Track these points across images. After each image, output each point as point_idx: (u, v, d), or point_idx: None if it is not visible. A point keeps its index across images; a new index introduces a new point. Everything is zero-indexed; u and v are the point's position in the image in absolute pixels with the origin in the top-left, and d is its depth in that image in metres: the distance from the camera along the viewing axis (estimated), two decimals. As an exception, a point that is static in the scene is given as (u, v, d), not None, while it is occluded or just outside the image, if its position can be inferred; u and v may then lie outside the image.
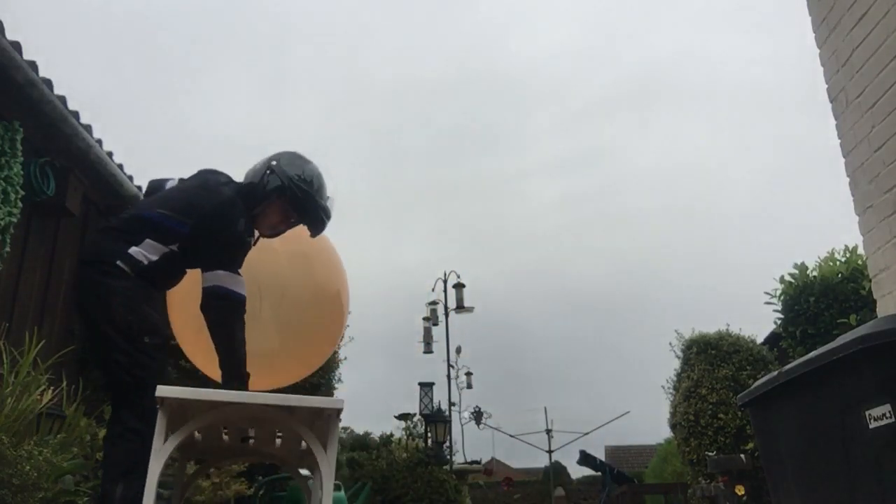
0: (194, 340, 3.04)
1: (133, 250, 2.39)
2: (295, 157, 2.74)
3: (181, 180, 2.79)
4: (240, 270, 2.48)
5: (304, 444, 2.32)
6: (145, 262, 2.40)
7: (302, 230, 2.84)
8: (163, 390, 2.07)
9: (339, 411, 2.19)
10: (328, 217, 2.78)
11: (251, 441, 2.55)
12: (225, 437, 2.47)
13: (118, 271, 2.35)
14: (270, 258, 2.95)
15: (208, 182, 2.65)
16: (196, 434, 2.32)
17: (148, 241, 2.42)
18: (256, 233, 2.72)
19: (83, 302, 2.42)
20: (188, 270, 2.65)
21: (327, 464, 2.14)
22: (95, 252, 2.45)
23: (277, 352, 3.07)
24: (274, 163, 2.67)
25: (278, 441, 2.53)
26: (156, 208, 2.50)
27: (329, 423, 2.21)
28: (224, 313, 2.42)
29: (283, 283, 3.10)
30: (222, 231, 2.48)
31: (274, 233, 2.79)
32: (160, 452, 2.05)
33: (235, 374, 2.41)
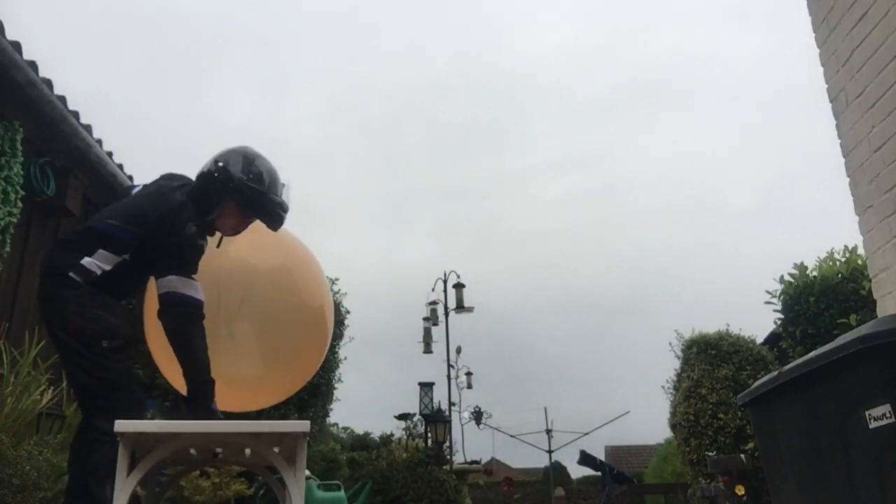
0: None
1: (86, 261, 2.41)
2: (242, 156, 2.69)
3: (144, 187, 2.79)
4: (195, 276, 2.49)
5: (275, 449, 2.33)
6: (98, 273, 2.43)
7: (275, 241, 2.82)
8: (121, 425, 2.04)
9: (305, 434, 2.21)
10: (285, 210, 2.75)
11: (219, 455, 2.55)
12: (193, 452, 2.47)
13: (70, 282, 2.39)
14: (249, 276, 2.85)
15: (161, 189, 2.64)
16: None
17: (101, 251, 2.45)
18: (219, 234, 2.73)
19: (42, 313, 2.48)
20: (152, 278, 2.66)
21: (296, 484, 2.15)
22: (50, 264, 2.48)
23: (260, 374, 2.94)
24: (221, 164, 2.64)
25: (248, 451, 2.53)
26: (107, 219, 2.52)
27: (296, 444, 2.23)
28: (180, 319, 2.43)
29: (265, 301, 2.93)
30: (172, 236, 2.48)
31: (235, 232, 2.77)
32: (124, 488, 2.02)
33: (199, 381, 2.42)
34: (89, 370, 2.35)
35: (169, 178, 2.74)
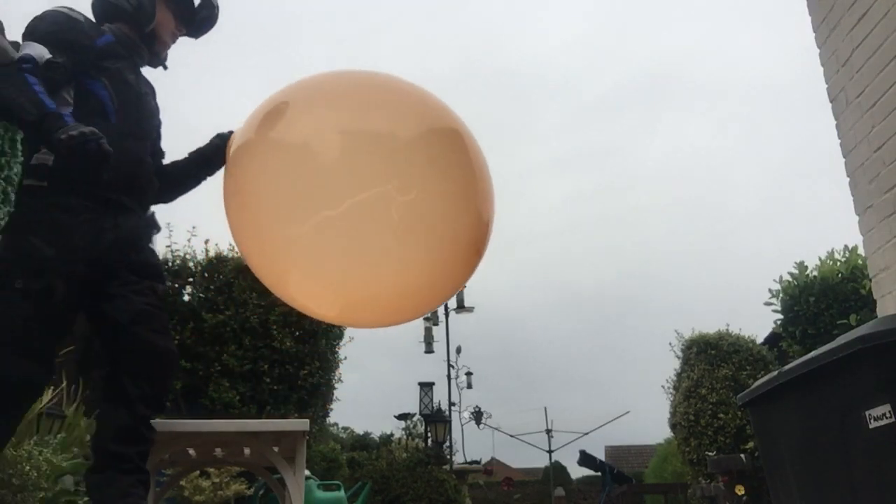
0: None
1: (36, 156, 1.93)
2: None
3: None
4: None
5: (275, 448, 2.33)
6: (50, 163, 1.90)
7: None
8: None
9: (304, 433, 2.21)
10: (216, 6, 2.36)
11: (218, 454, 2.55)
12: (192, 453, 2.46)
13: (25, 195, 1.94)
14: (398, 149, 1.93)
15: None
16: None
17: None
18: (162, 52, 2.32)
19: None
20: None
21: (296, 483, 2.16)
22: None
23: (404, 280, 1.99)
24: None
25: (247, 451, 2.53)
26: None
27: (296, 443, 2.23)
28: None
29: (424, 189, 1.90)
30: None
31: (174, 40, 2.35)
32: None
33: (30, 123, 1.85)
34: None
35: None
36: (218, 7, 2.37)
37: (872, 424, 1.70)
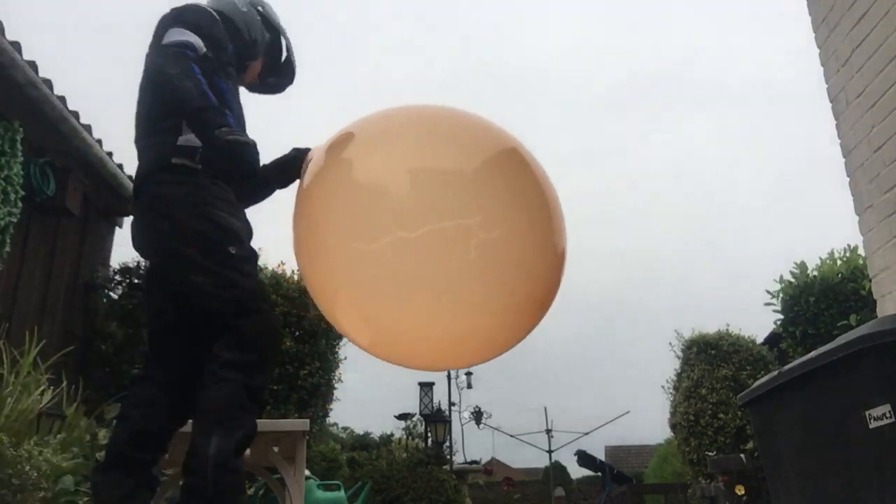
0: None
1: (185, 138, 1.89)
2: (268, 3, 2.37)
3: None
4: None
5: (275, 448, 2.33)
6: (200, 147, 1.90)
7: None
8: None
9: (304, 432, 2.21)
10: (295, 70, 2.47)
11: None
12: None
13: (176, 174, 1.88)
14: (479, 182, 1.83)
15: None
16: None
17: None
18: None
19: (141, 242, 1.98)
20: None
21: (295, 483, 2.17)
22: (144, 166, 1.97)
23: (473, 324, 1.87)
24: (260, 8, 2.32)
25: (247, 451, 2.53)
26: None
27: (296, 443, 2.24)
28: None
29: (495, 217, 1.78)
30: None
31: (245, 82, 2.41)
32: None
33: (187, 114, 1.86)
34: (214, 290, 1.78)
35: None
36: (290, 83, 2.45)
37: (872, 424, 1.70)
